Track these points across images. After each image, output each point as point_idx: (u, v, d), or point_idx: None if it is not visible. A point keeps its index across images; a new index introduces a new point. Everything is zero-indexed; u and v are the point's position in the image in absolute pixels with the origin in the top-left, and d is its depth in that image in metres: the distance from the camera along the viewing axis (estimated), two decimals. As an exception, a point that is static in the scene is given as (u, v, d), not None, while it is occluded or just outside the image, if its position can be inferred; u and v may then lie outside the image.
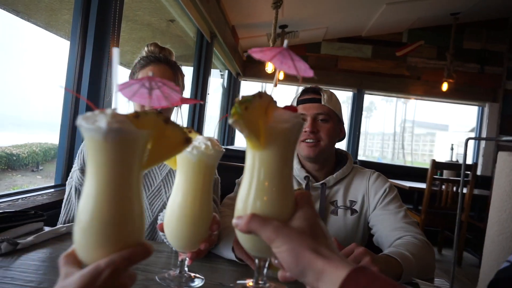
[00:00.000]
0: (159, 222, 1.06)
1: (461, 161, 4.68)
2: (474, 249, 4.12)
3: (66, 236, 0.99)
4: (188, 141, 0.46)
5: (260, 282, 0.55)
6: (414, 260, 0.92)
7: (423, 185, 3.63)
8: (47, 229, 0.99)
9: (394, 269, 0.86)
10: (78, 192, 1.17)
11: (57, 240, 0.95)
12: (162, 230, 0.71)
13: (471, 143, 5.79)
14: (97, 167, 0.42)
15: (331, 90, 1.29)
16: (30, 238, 0.88)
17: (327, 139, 1.22)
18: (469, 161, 5.56)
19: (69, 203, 1.17)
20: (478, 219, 3.93)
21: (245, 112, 0.43)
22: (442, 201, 3.53)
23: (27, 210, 1.02)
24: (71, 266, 0.43)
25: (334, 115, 1.25)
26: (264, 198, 0.47)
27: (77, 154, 1.22)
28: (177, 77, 1.24)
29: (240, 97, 0.44)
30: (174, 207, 0.68)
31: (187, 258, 0.76)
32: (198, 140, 0.69)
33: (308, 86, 1.29)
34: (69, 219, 1.14)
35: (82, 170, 1.18)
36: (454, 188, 3.54)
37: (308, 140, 1.21)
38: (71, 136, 1.65)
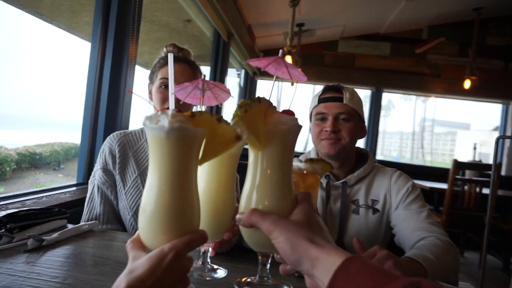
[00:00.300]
0: None
1: (484, 161, 4.55)
2: (498, 252, 3.99)
3: (88, 233, 1.01)
4: (238, 138, 0.50)
5: (264, 278, 0.57)
6: (438, 262, 0.90)
7: (444, 186, 3.54)
8: (70, 226, 1.01)
9: (418, 272, 0.84)
10: (100, 191, 1.19)
11: (79, 237, 0.97)
12: None
13: (494, 135, 5.64)
14: (160, 161, 0.47)
15: (353, 88, 1.27)
16: (55, 235, 0.90)
17: (348, 138, 1.20)
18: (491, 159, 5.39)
19: (92, 201, 1.19)
20: (503, 220, 3.81)
21: (245, 115, 0.47)
22: (465, 202, 3.44)
23: (51, 208, 1.05)
24: (138, 250, 0.48)
25: (355, 113, 1.23)
26: (265, 195, 0.51)
27: (99, 154, 1.24)
28: (196, 76, 1.25)
29: (240, 101, 0.48)
30: None
31: (210, 249, 0.76)
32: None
33: (330, 84, 1.27)
34: (92, 217, 1.16)
35: (105, 170, 1.21)
36: (477, 189, 3.44)
37: (329, 139, 1.20)
38: (92, 136, 1.69)
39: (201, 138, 0.49)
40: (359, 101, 1.24)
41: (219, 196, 0.67)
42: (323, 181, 1.25)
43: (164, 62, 1.23)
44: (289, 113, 0.52)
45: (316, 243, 0.44)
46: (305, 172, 0.82)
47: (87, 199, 1.21)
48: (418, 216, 1.12)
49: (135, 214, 1.16)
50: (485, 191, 3.41)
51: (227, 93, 0.58)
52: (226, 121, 0.51)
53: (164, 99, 1.20)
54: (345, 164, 1.26)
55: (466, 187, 3.44)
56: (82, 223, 1.03)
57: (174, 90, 0.55)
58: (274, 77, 0.56)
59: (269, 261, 0.56)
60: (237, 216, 0.50)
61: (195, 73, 1.24)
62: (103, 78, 1.69)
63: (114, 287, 0.44)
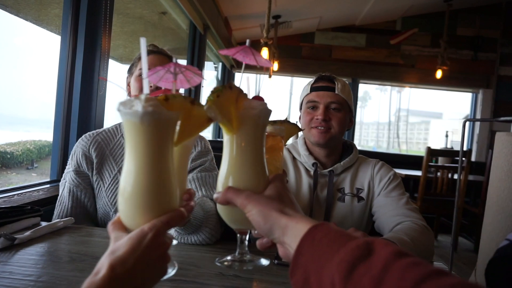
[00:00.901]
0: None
1: (456, 148, 4.72)
2: (469, 234, 4.18)
3: (63, 230, 0.98)
4: (210, 120, 0.52)
5: (243, 254, 0.59)
6: (413, 244, 0.93)
7: (418, 173, 3.66)
8: (44, 224, 0.99)
9: None
10: (72, 193, 1.17)
11: (54, 234, 0.94)
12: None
13: (467, 127, 5.83)
14: (135, 145, 0.49)
15: (344, 79, 1.30)
16: (27, 233, 0.88)
17: (338, 128, 1.23)
18: (464, 147, 5.60)
19: (61, 204, 1.17)
20: (473, 204, 3.98)
21: (217, 100, 0.49)
22: (438, 188, 3.57)
23: (24, 206, 1.01)
24: (119, 231, 0.50)
25: (346, 104, 1.26)
26: (239, 174, 0.54)
27: (71, 156, 1.22)
28: None
29: (213, 88, 0.50)
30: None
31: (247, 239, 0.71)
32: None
33: (323, 74, 1.29)
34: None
35: (78, 172, 1.19)
36: (450, 175, 3.57)
37: (319, 127, 1.23)
38: (65, 132, 1.64)
39: (175, 120, 0.50)
40: (349, 93, 1.27)
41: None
42: (311, 169, 1.28)
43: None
44: (259, 98, 0.55)
45: (286, 213, 0.48)
46: (266, 134, 0.76)
47: (57, 201, 1.19)
48: (398, 203, 1.16)
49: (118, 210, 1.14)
50: (457, 176, 3.55)
51: (199, 76, 0.59)
52: (199, 103, 0.52)
53: (142, 87, 1.19)
54: (333, 153, 1.30)
55: (439, 174, 3.57)
56: (56, 220, 1.01)
57: (148, 74, 0.55)
58: (243, 66, 0.60)
59: (247, 238, 0.60)
60: (214, 196, 0.54)
61: None
62: (75, 72, 1.64)
63: (97, 269, 0.45)
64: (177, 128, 0.52)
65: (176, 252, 0.91)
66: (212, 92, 0.50)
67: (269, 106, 0.55)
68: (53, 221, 0.99)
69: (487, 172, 3.69)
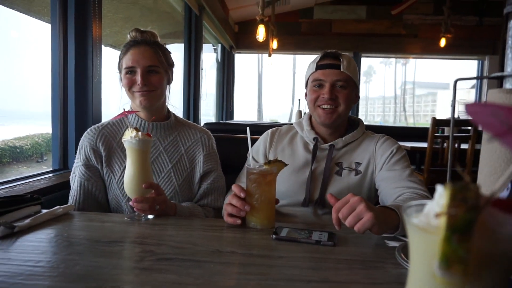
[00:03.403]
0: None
1: (462, 118, 4.64)
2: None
3: (64, 217, 0.99)
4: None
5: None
6: None
7: (424, 145, 3.62)
8: (44, 211, 0.99)
9: (390, 218, 0.86)
10: (82, 187, 1.20)
11: (54, 221, 0.95)
12: None
13: (472, 92, 5.74)
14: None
15: (349, 55, 1.27)
16: (27, 221, 0.89)
17: (344, 105, 1.22)
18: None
19: (73, 197, 1.21)
20: (481, 173, 3.94)
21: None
22: (445, 159, 3.53)
23: (23, 195, 1.02)
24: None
25: (351, 81, 1.24)
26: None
27: (78, 150, 1.25)
28: (159, 55, 1.23)
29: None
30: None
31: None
32: (131, 135, 1.03)
33: (328, 51, 1.27)
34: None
35: (87, 165, 1.22)
36: (456, 145, 3.53)
37: (325, 106, 1.22)
38: (63, 121, 1.64)
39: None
40: (355, 69, 1.26)
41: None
42: (311, 143, 1.28)
43: (125, 49, 1.23)
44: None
45: None
46: (264, 172, 0.99)
47: (70, 196, 1.22)
48: (401, 175, 1.15)
49: (129, 199, 1.18)
50: (464, 146, 3.50)
51: None
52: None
53: (131, 84, 1.20)
54: (337, 130, 1.30)
55: (445, 144, 3.52)
56: (55, 207, 1.01)
57: None
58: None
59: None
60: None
61: (156, 52, 1.22)
62: (68, 60, 1.62)
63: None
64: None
65: (174, 232, 0.91)
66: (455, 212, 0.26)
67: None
68: (52, 209, 1.00)
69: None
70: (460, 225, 0.25)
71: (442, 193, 0.27)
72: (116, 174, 1.22)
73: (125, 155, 1.22)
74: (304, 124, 1.33)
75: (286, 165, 1.04)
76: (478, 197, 0.26)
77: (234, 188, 1.00)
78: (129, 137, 1.02)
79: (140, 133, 1.03)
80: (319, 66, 1.25)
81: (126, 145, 1.04)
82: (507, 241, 0.28)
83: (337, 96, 1.22)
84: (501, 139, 0.29)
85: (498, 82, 5.03)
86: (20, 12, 2.18)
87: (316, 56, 1.29)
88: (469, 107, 0.30)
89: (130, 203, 1.02)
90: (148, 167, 1.07)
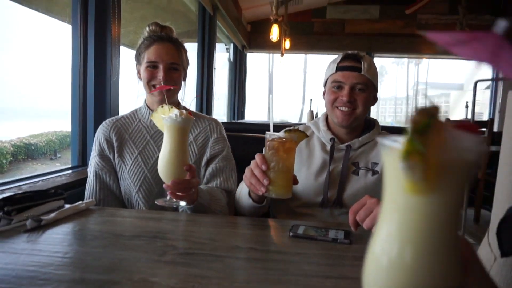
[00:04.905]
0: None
1: (477, 119, 4.58)
2: (492, 206, 4.09)
3: (86, 211, 1.03)
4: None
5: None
6: None
7: (438, 145, 3.57)
8: (67, 206, 1.03)
9: None
10: (98, 177, 1.25)
11: (78, 215, 0.99)
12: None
13: (486, 93, 5.63)
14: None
15: (370, 57, 1.28)
16: (52, 215, 0.92)
17: (362, 108, 1.23)
18: (485, 117, 5.43)
19: (89, 187, 1.25)
20: (496, 176, 3.88)
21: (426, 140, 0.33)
22: (458, 160, 3.48)
23: (48, 190, 1.06)
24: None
25: (371, 84, 1.25)
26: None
27: (94, 142, 1.29)
28: (181, 53, 1.29)
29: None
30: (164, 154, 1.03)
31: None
32: (174, 112, 1.00)
33: (350, 52, 1.27)
34: None
35: (101, 156, 1.27)
36: (470, 146, 3.48)
37: (343, 108, 1.23)
38: (82, 119, 1.68)
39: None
40: (375, 72, 1.26)
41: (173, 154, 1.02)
42: (328, 144, 1.30)
43: (148, 43, 1.26)
44: (466, 127, 0.35)
45: None
46: (284, 139, 0.96)
47: (86, 187, 1.27)
48: None
49: (140, 190, 1.24)
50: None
51: None
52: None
53: (151, 77, 1.24)
54: (354, 131, 1.31)
55: (459, 146, 3.48)
56: (78, 202, 1.05)
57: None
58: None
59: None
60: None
61: (179, 51, 1.28)
62: (87, 59, 1.67)
63: None
64: None
65: (194, 228, 0.94)
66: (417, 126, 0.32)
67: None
68: (76, 203, 1.03)
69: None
70: (420, 127, 0.32)
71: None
72: (127, 164, 1.26)
73: (136, 146, 1.28)
74: (320, 124, 1.33)
75: (307, 136, 1.03)
76: (435, 109, 0.33)
77: (257, 157, 0.99)
78: (173, 114, 0.97)
79: (184, 110, 1.01)
80: (339, 68, 1.25)
81: (167, 123, 0.98)
82: (458, 152, 0.33)
83: (355, 98, 1.22)
84: (447, 48, 0.35)
85: (514, 83, 4.94)
86: (40, 12, 2.24)
87: (336, 56, 1.29)
88: (430, 35, 0.37)
89: (164, 186, 0.99)
90: (187, 148, 1.05)
